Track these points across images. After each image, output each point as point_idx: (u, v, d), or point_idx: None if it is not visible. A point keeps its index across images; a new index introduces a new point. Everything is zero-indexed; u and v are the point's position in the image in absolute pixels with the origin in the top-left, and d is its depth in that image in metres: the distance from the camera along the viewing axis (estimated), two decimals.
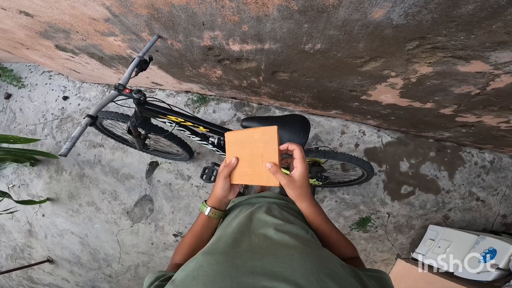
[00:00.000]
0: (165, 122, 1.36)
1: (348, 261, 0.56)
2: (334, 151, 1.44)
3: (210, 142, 1.51)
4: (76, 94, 2.72)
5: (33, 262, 2.88)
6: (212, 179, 1.55)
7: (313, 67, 1.38)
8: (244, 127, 1.23)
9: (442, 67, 1.10)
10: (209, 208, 0.71)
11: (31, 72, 2.96)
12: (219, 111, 2.31)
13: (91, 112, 0.99)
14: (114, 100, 1.13)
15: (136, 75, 1.22)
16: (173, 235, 2.41)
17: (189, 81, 2.00)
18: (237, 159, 0.67)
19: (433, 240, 1.98)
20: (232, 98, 2.29)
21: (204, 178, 1.52)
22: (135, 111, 1.32)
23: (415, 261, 2.03)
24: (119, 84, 1.12)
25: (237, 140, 0.68)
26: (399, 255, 2.21)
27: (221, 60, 1.51)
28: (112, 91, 1.11)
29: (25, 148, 2.38)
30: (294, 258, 0.47)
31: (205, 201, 0.74)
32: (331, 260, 0.49)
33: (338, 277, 0.44)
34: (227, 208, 0.81)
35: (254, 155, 0.65)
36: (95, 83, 2.69)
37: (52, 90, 2.81)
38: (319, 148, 1.53)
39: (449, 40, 0.92)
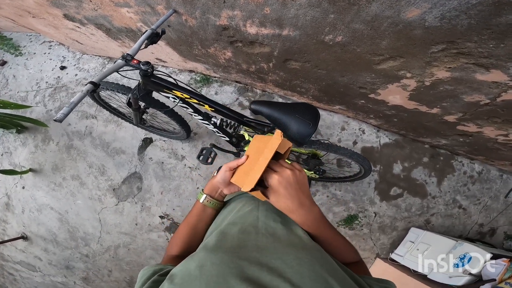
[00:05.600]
0: (168, 98, 1.31)
1: (350, 266, 0.55)
2: (336, 145, 1.43)
3: (212, 122, 1.47)
4: (74, 65, 2.61)
5: (6, 238, 2.77)
6: (209, 161, 1.50)
7: (328, 59, 1.35)
8: (253, 110, 1.19)
9: (460, 73, 1.10)
10: (204, 196, 0.71)
11: (31, 41, 2.83)
12: (221, 94, 2.26)
13: (95, 79, 0.93)
14: (120, 70, 1.07)
15: (145, 47, 1.16)
16: (160, 216, 2.36)
17: (196, 60, 1.93)
18: (247, 157, 0.63)
19: (413, 242, 2.05)
20: (236, 82, 2.23)
21: (201, 159, 1.48)
22: (138, 83, 1.27)
23: (393, 262, 2.09)
24: (128, 54, 1.06)
25: (257, 143, 0.66)
26: (378, 254, 2.28)
27: (234, 42, 1.46)
28: (119, 61, 1.05)
29: (13, 114, 2.24)
30: (303, 262, 0.45)
31: (203, 189, 0.73)
32: (338, 267, 0.48)
33: (346, 284, 0.43)
34: (227, 199, 0.79)
35: (254, 161, 0.59)
36: (96, 55, 2.59)
37: (50, 59, 2.69)
38: (321, 141, 1.52)
39: (477, 47, 0.92)
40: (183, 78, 2.34)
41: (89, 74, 2.54)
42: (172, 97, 1.29)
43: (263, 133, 1.34)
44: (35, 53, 2.76)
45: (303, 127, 1.06)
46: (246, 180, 0.56)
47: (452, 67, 1.07)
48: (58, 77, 2.61)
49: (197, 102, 1.25)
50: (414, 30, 0.95)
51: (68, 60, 2.64)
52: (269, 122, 1.27)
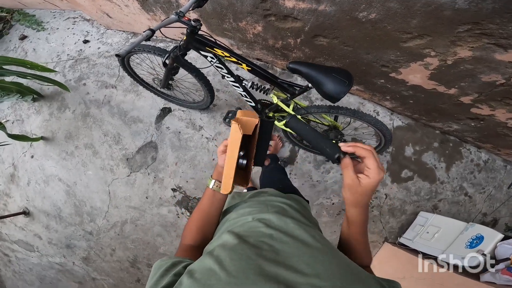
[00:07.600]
0: (206, 57, 1.50)
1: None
2: (361, 111, 1.60)
3: (242, 85, 1.68)
4: (98, 39, 2.83)
5: (7, 214, 2.83)
6: None
7: (357, 36, 1.54)
8: (291, 69, 1.35)
9: (481, 53, 1.30)
10: (213, 181, 0.77)
11: (55, 17, 3.08)
12: (241, 70, 2.42)
13: (153, 27, 1.12)
14: (169, 25, 1.22)
15: (193, 9, 1.32)
16: (172, 189, 2.48)
17: (223, 35, 2.10)
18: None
19: (423, 226, 2.19)
20: (258, 59, 2.41)
21: (227, 121, 1.70)
22: (180, 43, 1.44)
23: (401, 246, 2.22)
24: (180, 11, 1.23)
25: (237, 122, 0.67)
26: (387, 238, 2.46)
27: (268, 15, 1.64)
28: (173, 16, 1.22)
29: (39, 75, 2.36)
30: (318, 259, 0.52)
31: (211, 175, 0.80)
32: (350, 262, 0.55)
33: (363, 283, 0.49)
34: (233, 204, 0.89)
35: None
36: (120, 30, 2.79)
37: (74, 34, 2.93)
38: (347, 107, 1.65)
39: (498, 29, 1.12)
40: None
41: (112, 47, 2.72)
42: (210, 57, 1.48)
43: (293, 95, 1.52)
44: (58, 28, 2.98)
45: (339, 85, 1.24)
46: (223, 184, 0.62)
47: (474, 46, 1.28)
48: (80, 50, 2.80)
49: (235, 60, 1.43)
50: (445, 11, 1.14)
51: (91, 35, 2.85)
52: (300, 84, 1.47)
